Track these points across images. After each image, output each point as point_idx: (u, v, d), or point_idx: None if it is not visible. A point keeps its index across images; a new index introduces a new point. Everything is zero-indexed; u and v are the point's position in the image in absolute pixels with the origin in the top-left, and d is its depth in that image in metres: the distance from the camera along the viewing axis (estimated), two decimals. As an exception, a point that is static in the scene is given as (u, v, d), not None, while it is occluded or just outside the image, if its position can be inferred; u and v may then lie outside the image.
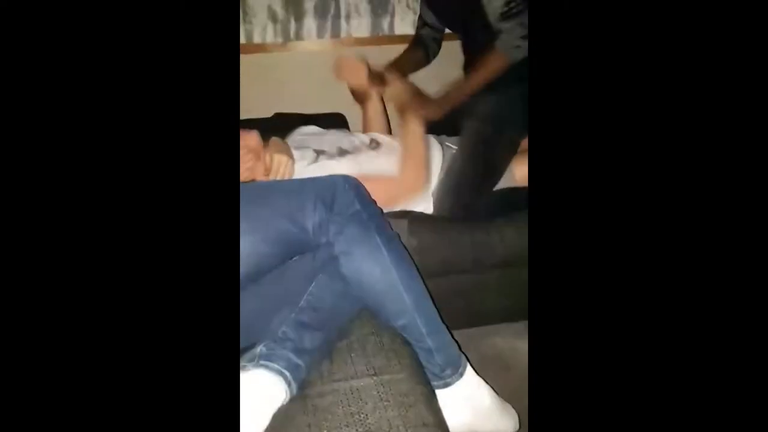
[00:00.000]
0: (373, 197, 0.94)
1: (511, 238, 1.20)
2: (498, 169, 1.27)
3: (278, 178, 1.11)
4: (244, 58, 1.75)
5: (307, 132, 1.38)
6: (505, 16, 1.24)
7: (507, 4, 1.23)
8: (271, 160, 1.12)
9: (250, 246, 0.82)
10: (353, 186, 0.89)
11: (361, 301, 0.88)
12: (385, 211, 1.06)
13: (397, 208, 1.21)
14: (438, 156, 1.28)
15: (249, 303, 0.86)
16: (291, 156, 1.16)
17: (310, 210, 0.84)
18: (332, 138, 1.34)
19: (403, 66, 1.48)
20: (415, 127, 1.25)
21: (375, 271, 0.84)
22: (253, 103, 1.74)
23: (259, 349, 0.76)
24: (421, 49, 1.55)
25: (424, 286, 0.89)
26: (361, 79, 1.39)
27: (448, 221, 1.22)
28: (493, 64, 1.27)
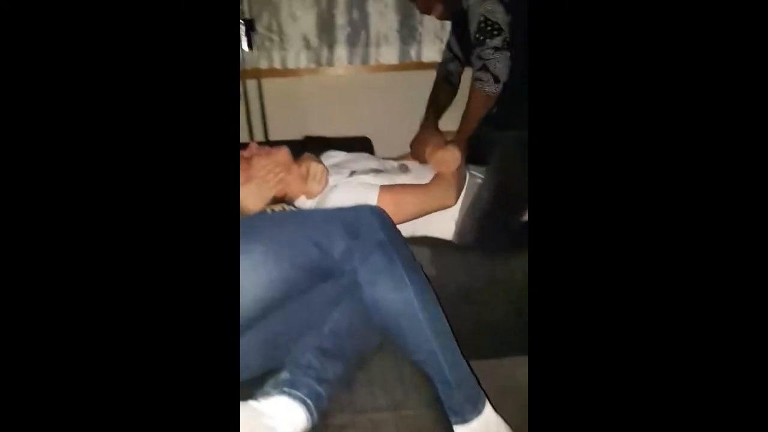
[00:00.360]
0: (404, 205, 1.03)
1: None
2: (524, 201, 1.28)
3: (315, 183, 1.16)
4: (276, 82, 1.81)
5: (336, 155, 1.42)
6: (478, 39, 1.35)
7: (485, 23, 1.33)
8: (308, 168, 1.16)
9: (278, 271, 0.84)
10: (379, 215, 0.91)
11: (383, 330, 0.90)
12: (411, 219, 1.16)
13: (420, 220, 1.24)
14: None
15: (275, 326, 0.88)
16: (325, 166, 1.21)
17: (337, 237, 0.85)
18: (363, 160, 1.37)
19: (439, 106, 1.58)
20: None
21: (397, 301, 0.85)
22: (284, 126, 1.80)
23: (283, 375, 0.79)
24: (446, 83, 1.60)
25: (445, 320, 0.90)
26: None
27: (469, 250, 1.23)
28: (473, 102, 1.37)
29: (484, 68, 1.35)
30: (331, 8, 1.78)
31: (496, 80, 1.36)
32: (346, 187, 1.21)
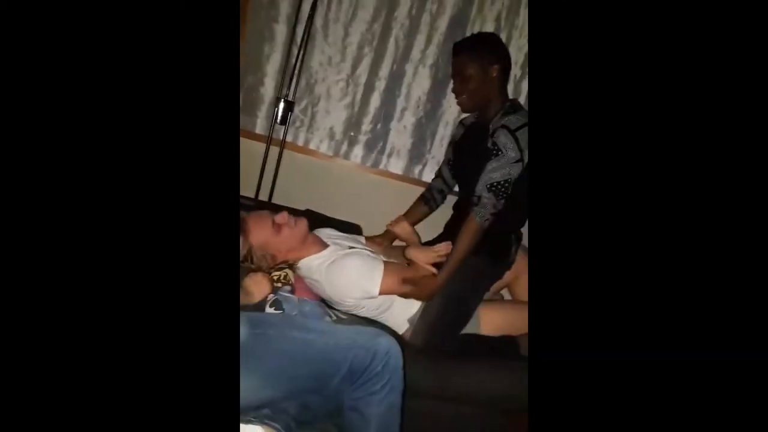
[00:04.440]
0: (395, 284, 1.23)
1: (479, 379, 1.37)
2: (467, 319, 1.49)
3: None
4: (295, 156, 2.05)
5: (331, 232, 1.62)
6: (491, 189, 1.42)
7: (501, 183, 1.41)
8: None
9: (272, 392, 0.89)
10: (393, 357, 0.91)
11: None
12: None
13: (385, 309, 1.43)
14: None
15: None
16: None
17: (336, 380, 0.89)
18: (355, 239, 1.58)
19: (412, 218, 1.78)
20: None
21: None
22: (289, 194, 2.00)
23: (264, 411, 0.89)
24: (424, 204, 1.84)
25: None
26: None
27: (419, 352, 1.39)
28: (469, 229, 1.44)
29: (490, 203, 1.43)
30: (361, 115, 2.10)
31: (495, 213, 1.44)
32: (357, 256, 1.40)
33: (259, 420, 0.86)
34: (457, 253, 1.43)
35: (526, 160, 1.42)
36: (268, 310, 1.21)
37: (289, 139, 2.04)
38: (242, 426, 0.84)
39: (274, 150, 1.99)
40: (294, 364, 0.89)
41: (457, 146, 1.73)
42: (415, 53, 2.05)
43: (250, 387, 0.85)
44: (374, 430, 0.88)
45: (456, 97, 1.55)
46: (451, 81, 1.59)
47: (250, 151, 1.95)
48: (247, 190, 1.91)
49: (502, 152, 1.41)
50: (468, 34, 1.99)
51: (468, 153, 1.64)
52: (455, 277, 1.45)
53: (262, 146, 1.98)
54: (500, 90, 1.52)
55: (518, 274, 1.67)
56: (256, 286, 1.17)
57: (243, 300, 1.11)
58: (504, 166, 1.40)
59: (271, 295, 1.24)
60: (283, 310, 1.21)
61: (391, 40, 2.03)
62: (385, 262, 1.41)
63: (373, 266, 1.38)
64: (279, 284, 1.28)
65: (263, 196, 2.00)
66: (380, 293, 1.36)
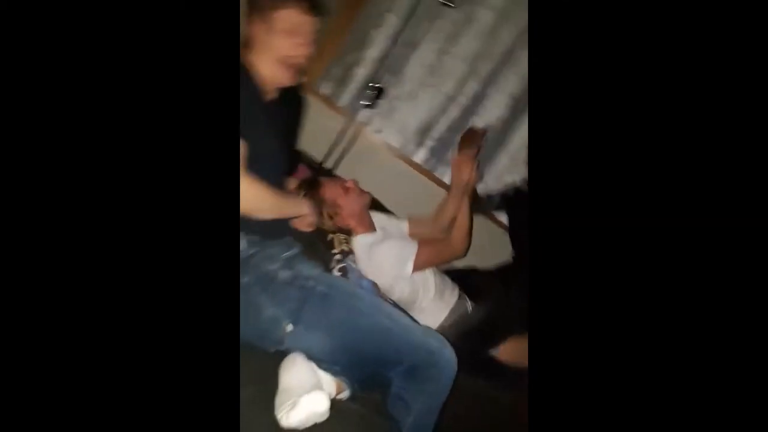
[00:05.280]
0: (432, 256, 1.41)
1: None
2: (502, 338, 1.61)
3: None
4: (367, 140, 2.15)
5: (379, 218, 1.74)
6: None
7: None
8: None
9: (340, 354, 0.94)
10: (450, 369, 0.96)
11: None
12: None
13: (416, 309, 1.54)
14: (450, 295, 1.62)
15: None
16: None
17: (396, 369, 0.95)
18: (398, 226, 1.75)
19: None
20: (467, 205, 1.64)
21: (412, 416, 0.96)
22: (354, 173, 2.11)
23: (336, 368, 0.97)
24: None
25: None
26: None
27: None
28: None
29: None
30: (435, 122, 2.21)
31: None
32: (390, 242, 1.52)
33: (333, 372, 0.96)
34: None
35: None
36: (336, 273, 1.32)
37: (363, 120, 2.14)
38: (319, 371, 0.94)
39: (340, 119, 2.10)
40: (367, 343, 0.96)
41: None
42: (501, 81, 2.17)
43: (324, 343, 0.94)
44: (412, 420, 0.96)
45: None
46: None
47: (329, 122, 2.06)
48: (317, 154, 2.02)
49: None
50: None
51: None
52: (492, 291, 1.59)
53: (339, 119, 2.08)
54: None
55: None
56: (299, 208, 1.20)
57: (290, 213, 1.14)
58: None
59: (339, 257, 1.35)
60: (348, 278, 1.33)
61: (487, 64, 2.14)
62: (421, 242, 1.55)
63: (408, 250, 1.51)
64: (345, 247, 1.41)
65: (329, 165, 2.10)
66: (414, 271, 1.49)
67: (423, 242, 1.55)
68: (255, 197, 0.95)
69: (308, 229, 1.23)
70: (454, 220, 1.62)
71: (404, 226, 1.75)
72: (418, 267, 1.50)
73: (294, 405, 0.83)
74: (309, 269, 1.03)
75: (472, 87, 2.16)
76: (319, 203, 1.44)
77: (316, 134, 1.96)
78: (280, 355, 0.95)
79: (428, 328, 0.99)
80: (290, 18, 1.01)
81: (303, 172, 1.77)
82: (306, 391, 0.85)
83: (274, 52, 1.03)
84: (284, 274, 0.98)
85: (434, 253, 1.55)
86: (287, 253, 1.03)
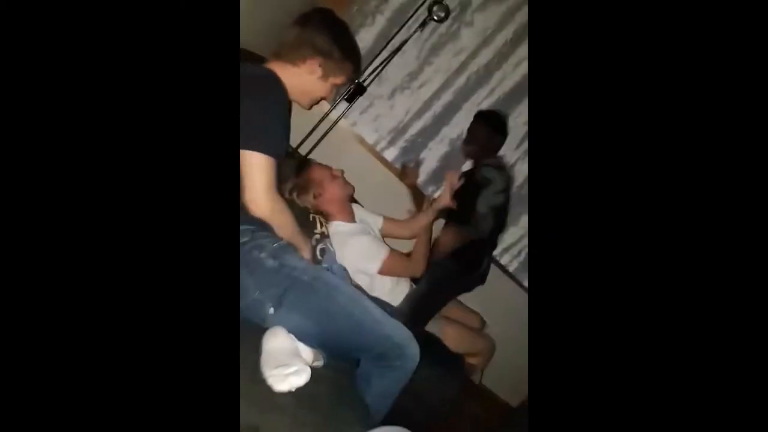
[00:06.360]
0: (397, 267, 1.54)
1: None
2: (431, 313, 1.79)
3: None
4: (342, 131, 2.23)
5: (359, 211, 1.84)
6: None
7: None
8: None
9: (320, 336, 1.04)
10: (413, 361, 1.08)
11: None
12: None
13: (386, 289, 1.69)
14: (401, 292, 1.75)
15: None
16: None
17: (367, 353, 1.08)
18: (375, 222, 1.87)
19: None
20: (430, 231, 1.80)
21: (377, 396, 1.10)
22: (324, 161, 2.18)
23: (314, 342, 1.06)
24: None
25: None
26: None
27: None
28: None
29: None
30: (409, 125, 2.33)
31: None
32: (366, 237, 1.62)
33: (310, 345, 1.05)
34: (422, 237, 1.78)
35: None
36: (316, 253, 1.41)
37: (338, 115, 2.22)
38: (300, 344, 1.02)
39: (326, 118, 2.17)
40: (341, 332, 1.06)
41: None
42: (476, 97, 2.32)
43: (303, 327, 1.03)
44: (371, 395, 1.10)
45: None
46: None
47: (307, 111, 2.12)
48: (292, 141, 2.07)
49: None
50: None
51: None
52: (426, 275, 1.76)
53: (319, 110, 2.15)
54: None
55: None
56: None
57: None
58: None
59: (318, 236, 1.44)
60: (322, 260, 1.41)
61: (462, 78, 2.29)
62: (391, 250, 1.68)
63: (380, 251, 1.63)
64: (325, 230, 1.50)
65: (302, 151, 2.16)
66: (380, 273, 1.63)
67: (393, 253, 1.68)
68: (281, 222, 1.13)
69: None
70: (419, 241, 1.76)
71: (380, 221, 1.87)
72: (382, 271, 1.62)
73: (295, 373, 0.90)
74: (296, 260, 1.11)
75: (446, 97, 2.30)
76: (305, 182, 1.54)
77: (292, 121, 2.02)
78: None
79: (398, 323, 1.11)
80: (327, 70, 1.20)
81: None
82: (286, 355, 0.94)
83: (304, 87, 1.22)
84: (271, 263, 1.06)
85: (400, 265, 1.69)
86: (276, 244, 1.10)
